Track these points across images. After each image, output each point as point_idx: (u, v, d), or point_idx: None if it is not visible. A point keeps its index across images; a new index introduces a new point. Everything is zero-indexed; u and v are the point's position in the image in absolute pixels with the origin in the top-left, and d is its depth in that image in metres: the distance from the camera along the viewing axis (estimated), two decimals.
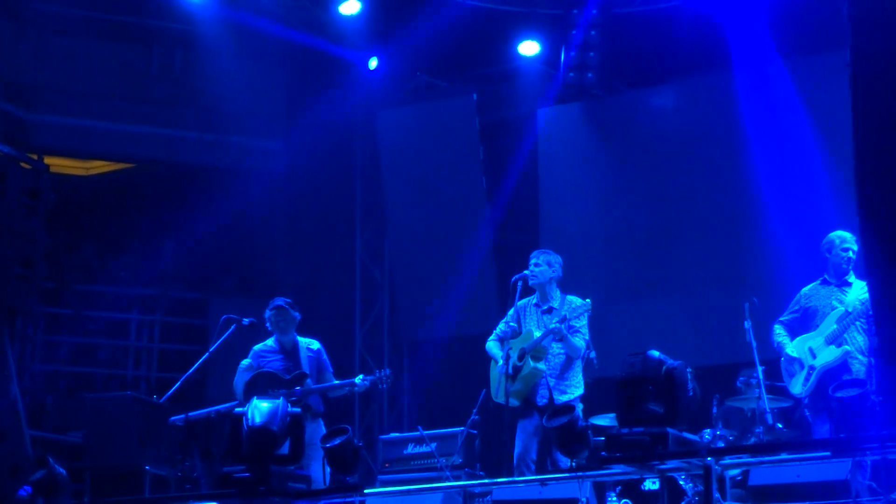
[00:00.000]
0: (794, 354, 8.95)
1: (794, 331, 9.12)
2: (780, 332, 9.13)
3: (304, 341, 9.91)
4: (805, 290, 9.16)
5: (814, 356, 8.85)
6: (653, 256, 13.21)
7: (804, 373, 8.86)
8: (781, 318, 9.20)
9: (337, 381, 9.83)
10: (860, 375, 8.29)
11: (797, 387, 8.92)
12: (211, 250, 15.22)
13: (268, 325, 9.90)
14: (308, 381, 9.61)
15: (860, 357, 8.61)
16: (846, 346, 8.71)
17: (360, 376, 9.77)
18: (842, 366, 8.67)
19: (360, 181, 15.19)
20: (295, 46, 14.41)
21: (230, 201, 14.85)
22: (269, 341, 9.92)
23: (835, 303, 8.92)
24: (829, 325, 8.85)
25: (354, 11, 13.78)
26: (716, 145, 13.01)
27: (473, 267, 14.10)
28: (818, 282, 9.11)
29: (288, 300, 9.97)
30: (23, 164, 12.02)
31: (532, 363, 9.12)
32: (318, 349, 9.92)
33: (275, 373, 9.59)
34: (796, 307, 9.16)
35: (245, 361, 9.80)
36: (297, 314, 9.92)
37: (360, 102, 14.75)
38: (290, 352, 9.84)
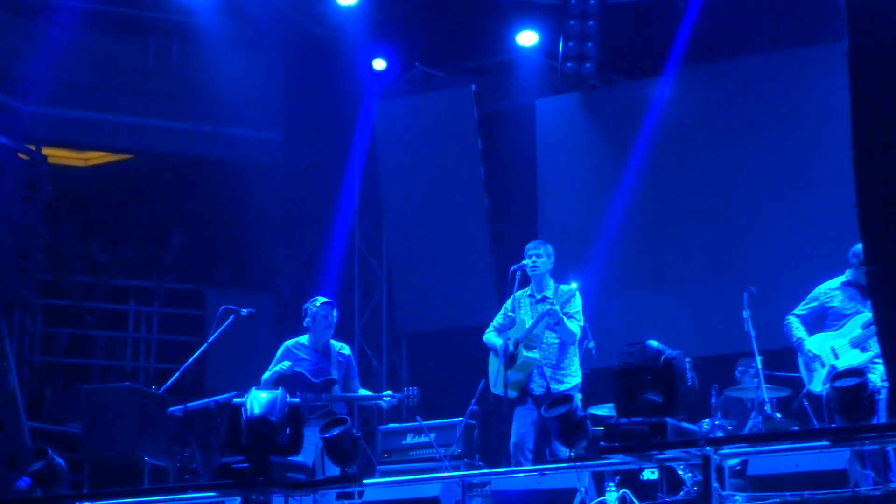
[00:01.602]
0: (816, 351, 8.94)
1: (808, 325, 9.11)
2: (798, 327, 9.09)
3: (335, 345, 9.66)
4: (825, 287, 9.13)
5: (836, 356, 8.84)
6: (651, 247, 13.21)
7: (825, 371, 8.83)
8: (797, 312, 9.16)
9: (364, 393, 9.75)
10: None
11: (818, 385, 8.91)
12: (208, 241, 15.21)
13: (307, 320, 9.58)
14: (336, 387, 9.46)
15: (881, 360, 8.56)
16: (870, 352, 8.69)
17: (389, 392, 9.78)
18: (863, 370, 8.64)
19: (357, 172, 15.16)
20: (292, 37, 14.38)
21: (227, 192, 14.85)
22: (304, 339, 9.60)
23: (860, 307, 8.90)
24: (853, 329, 8.85)
25: (352, 2, 13.74)
26: (713, 135, 13.02)
27: (471, 258, 14.09)
28: (839, 283, 9.07)
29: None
30: (21, 156, 12.02)
31: (524, 352, 9.12)
32: (348, 355, 9.68)
33: (304, 374, 9.44)
34: (815, 303, 9.12)
35: (286, 363, 9.49)
36: (337, 316, 9.69)
37: (357, 93, 14.72)
38: (321, 354, 9.57)
